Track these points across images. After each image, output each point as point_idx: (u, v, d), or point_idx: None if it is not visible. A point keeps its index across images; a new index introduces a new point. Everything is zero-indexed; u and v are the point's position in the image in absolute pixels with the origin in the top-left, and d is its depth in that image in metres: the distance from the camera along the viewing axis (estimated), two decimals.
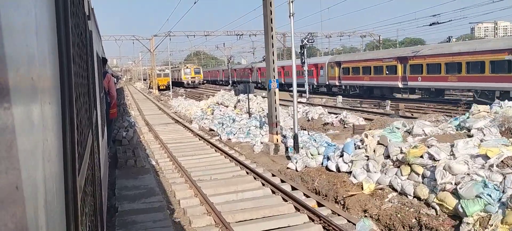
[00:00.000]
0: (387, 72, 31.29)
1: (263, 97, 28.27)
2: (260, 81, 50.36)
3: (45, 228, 0.88)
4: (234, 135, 16.39)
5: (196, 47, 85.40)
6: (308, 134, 14.46)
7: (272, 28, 13.16)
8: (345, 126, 16.67)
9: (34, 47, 0.90)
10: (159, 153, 14.59)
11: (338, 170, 9.21)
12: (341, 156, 9.29)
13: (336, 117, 17.72)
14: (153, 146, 16.12)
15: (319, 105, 23.57)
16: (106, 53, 15.82)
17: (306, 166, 10.46)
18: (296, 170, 10.70)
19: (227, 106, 24.76)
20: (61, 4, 1.32)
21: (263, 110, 23.38)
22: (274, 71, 13.32)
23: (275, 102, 13.38)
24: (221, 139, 16.61)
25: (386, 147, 8.27)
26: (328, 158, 9.72)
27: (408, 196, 7.24)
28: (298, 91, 40.18)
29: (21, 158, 0.70)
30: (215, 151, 14.47)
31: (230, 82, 61.46)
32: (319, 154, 10.34)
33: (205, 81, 70.79)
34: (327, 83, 38.87)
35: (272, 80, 13.36)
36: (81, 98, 1.97)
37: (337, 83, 37.22)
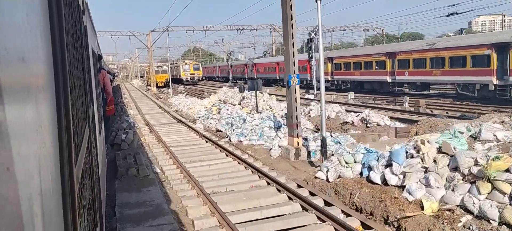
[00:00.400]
0: (376, 67, 32.47)
1: (270, 94, 26.72)
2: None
3: (40, 215, 0.85)
4: (245, 136, 14.77)
5: (194, 43, 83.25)
6: (331, 135, 12.91)
7: (292, 16, 11.54)
8: (368, 125, 15.09)
9: (26, 32, 0.86)
10: (163, 158, 12.97)
11: (386, 183, 7.63)
12: (388, 166, 7.70)
13: (357, 116, 16.11)
14: (156, 149, 14.49)
15: (335, 102, 21.94)
16: (101, 49, 14.30)
17: (340, 176, 8.88)
18: (327, 180, 9.13)
19: (234, 105, 23.09)
20: None
21: (271, 108, 21.80)
22: (294, 65, 11.70)
23: (296, 101, 11.78)
24: (230, 141, 15.00)
25: (452, 156, 6.70)
26: (370, 168, 8.14)
27: (491, 221, 5.67)
28: (302, 87, 38.73)
29: (12, 141, 0.67)
30: (226, 155, 12.86)
31: (230, 78, 59.93)
32: (355, 162, 8.75)
33: (204, 78, 69.18)
34: None
35: (292, 76, 11.74)
36: (76, 89, 1.90)
37: (329, 79, 37.97)
